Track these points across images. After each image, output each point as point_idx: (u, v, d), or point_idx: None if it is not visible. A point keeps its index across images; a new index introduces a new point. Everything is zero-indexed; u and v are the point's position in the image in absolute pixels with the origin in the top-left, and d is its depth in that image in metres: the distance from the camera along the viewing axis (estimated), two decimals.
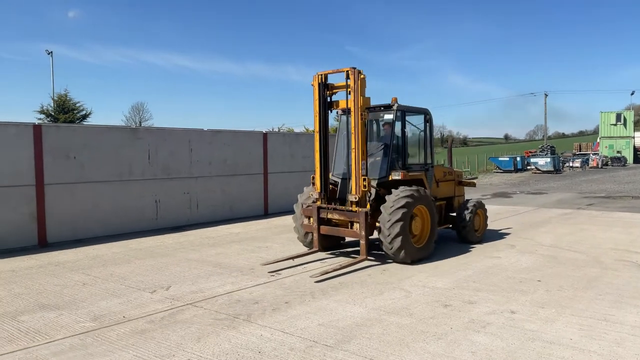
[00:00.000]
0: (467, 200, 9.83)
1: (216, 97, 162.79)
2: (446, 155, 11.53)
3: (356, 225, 7.77)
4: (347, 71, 7.75)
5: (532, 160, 37.67)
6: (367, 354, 4.38)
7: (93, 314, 5.59)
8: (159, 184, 11.98)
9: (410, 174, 8.31)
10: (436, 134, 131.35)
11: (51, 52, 38.97)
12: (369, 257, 8.00)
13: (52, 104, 23.29)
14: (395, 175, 8.12)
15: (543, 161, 36.43)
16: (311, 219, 8.37)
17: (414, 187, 7.90)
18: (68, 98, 23.93)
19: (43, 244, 9.96)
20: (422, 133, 9.05)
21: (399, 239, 7.47)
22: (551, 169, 35.52)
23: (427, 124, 9.05)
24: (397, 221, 7.45)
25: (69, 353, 4.48)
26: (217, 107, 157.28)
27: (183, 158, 12.44)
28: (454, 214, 9.78)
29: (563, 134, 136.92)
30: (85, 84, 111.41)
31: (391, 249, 7.57)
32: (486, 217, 10.03)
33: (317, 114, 8.19)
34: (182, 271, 7.51)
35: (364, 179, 7.68)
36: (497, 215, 13.57)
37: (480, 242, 9.61)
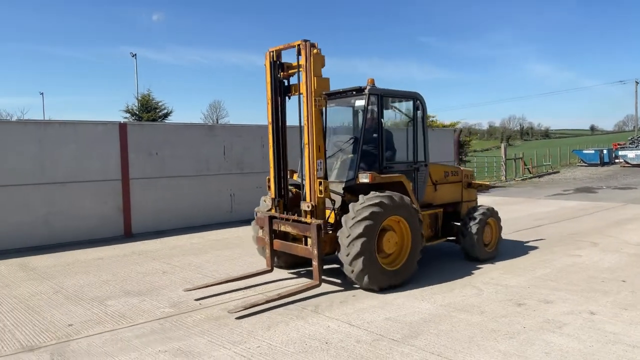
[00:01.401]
0: (475, 207, 7.92)
1: None
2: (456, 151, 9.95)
3: (310, 241, 6.11)
4: (298, 45, 6.14)
5: (621, 153, 35.17)
6: (435, 350, 4.34)
7: (172, 301, 5.93)
8: (233, 178, 12.46)
9: (383, 175, 6.48)
10: (515, 126, 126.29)
11: (135, 54, 41.66)
12: (334, 281, 6.55)
13: (136, 104, 24.64)
14: (363, 178, 6.32)
15: (633, 154, 33.87)
16: (263, 230, 6.80)
17: (386, 193, 6.16)
18: (151, 98, 25.23)
19: (128, 235, 10.67)
20: (411, 123, 7.18)
21: (360, 260, 5.82)
22: None
23: (417, 111, 7.15)
24: (358, 237, 5.81)
25: (150, 336, 4.80)
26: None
27: (255, 153, 12.83)
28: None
29: None
30: (166, 84, 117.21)
31: (352, 272, 5.94)
32: (500, 228, 8.02)
33: (270, 101, 6.59)
34: (255, 262, 7.76)
35: (320, 183, 6.05)
36: (579, 212, 12.85)
37: (491, 260, 7.64)
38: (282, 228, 6.55)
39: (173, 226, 11.35)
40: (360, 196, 6.14)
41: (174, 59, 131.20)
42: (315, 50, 6.02)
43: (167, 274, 7.29)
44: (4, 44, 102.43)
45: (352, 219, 5.91)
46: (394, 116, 7.34)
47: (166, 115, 25.15)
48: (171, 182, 11.37)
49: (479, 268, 7.20)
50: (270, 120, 6.61)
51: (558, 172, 30.43)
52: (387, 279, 6.13)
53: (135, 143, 10.86)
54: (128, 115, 23.76)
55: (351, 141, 6.81)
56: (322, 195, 6.08)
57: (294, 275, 7.00)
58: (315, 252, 5.97)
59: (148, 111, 23.94)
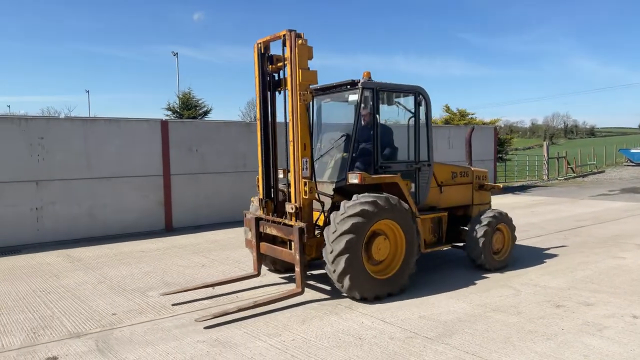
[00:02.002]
0: (484, 211, 7.24)
1: None
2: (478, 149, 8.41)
3: (295, 245, 5.67)
4: (284, 36, 5.75)
5: None
6: (469, 350, 4.31)
7: (210, 293, 6.09)
8: None
9: (375, 176, 6.00)
10: (559, 124, 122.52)
11: (177, 53, 42.50)
12: (323, 288, 6.17)
13: (177, 102, 25.21)
14: (352, 178, 5.87)
15: None
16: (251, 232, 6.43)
17: (376, 195, 5.67)
18: (191, 96, 25.74)
19: (169, 229, 10.98)
20: (413, 120, 6.64)
21: (344, 266, 5.39)
22: None
23: (419, 107, 6.64)
24: (341, 253, 5.37)
25: (189, 327, 4.95)
26: None
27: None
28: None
29: None
30: (206, 82, 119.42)
31: (341, 286, 5.54)
32: (514, 237, 7.30)
33: (258, 96, 6.24)
34: None
35: (305, 183, 5.71)
36: (624, 213, 12.41)
37: (501, 269, 6.98)
38: (268, 230, 6.14)
39: (211, 221, 11.61)
40: (343, 203, 5.66)
41: (214, 57, 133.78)
42: (300, 41, 5.63)
43: (205, 267, 7.47)
44: (53, 45, 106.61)
45: (337, 222, 5.46)
46: (397, 112, 6.74)
47: (206, 113, 25.63)
48: (210, 178, 11.62)
49: (516, 269, 7.07)
50: (258, 116, 6.29)
51: (603, 171, 29.39)
52: (377, 286, 5.66)
53: (176, 140, 11.16)
54: (169, 112, 24.33)
55: (343, 139, 6.43)
56: (307, 197, 5.71)
57: (285, 280, 6.61)
58: (298, 257, 5.55)
59: (189, 109, 24.46)
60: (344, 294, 5.70)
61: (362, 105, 6.24)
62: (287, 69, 5.78)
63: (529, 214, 12.81)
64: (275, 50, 6.20)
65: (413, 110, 6.63)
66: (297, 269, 5.60)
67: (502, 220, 7.11)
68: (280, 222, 5.95)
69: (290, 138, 5.81)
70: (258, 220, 6.26)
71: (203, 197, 11.55)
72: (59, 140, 9.77)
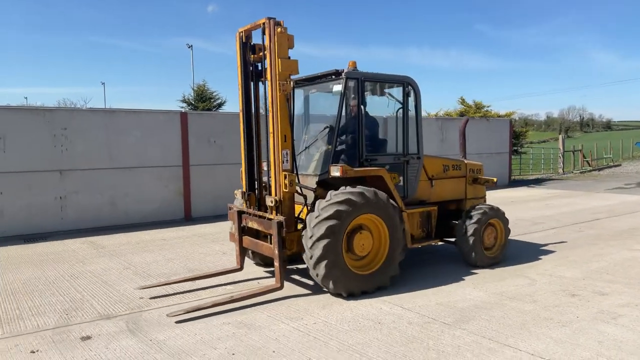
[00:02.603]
0: (475, 205, 7.02)
1: None
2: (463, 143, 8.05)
3: (274, 239, 5.53)
4: (263, 24, 5.60)
5: None
6: (486, 334, 4.45)
7: (232, 279, 6.28)
8: None
9: (358, 169, 5.85)
10: (575, 117, 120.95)
11: (191, 45, 42.80)
12: (306, 282, 6.05)
13: (192, 94, 25.42)
14: (334, 171, 5.70)
15: None
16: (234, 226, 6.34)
17: (356, 189, 5.49)
18: (206, 88, 25.91)
19: (188, 218, 11.22)
20: (401, 111, 6.46)
21: (323, 263, 5.25)
22: None
23: (408, 97, 6.44)
24: (320, 238, 5.23)
25: (214, 310, 5.14)
26: None
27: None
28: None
29: None
30: (220, 74, 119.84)
31: (317, 275, 5.39)
32: (507, 231, 7.09)
33: (240, 86, 6.07)
34: None
35: (286, 176, 5.59)
36: (638, 206, 12.40)
37: (491, 266, 6.78)
38: (250, 224, 6.01)
39: None
40: (330, 192, 5.55)
41: (227, 49, 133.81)
42: (279, 29, 5.44)
43: (226, 255, 7.67)
44: (68, 37, 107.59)
45: (316, 218, 5.33)
46: (387, 103, 6.54)
47: (220, 105, 25.82)
48: (227, 169, 11.81)
49: (531, 260, 7.17)
50: (241, 107, 6.13)
51: (619, 165, 29.11)
52: (360, 282, 5.52)
53: (195, 131, 11.37)
54: (184, 104, 24.58)
55: (326, 131, 6.27)
56: (287, 190, 5.60)
57: (269, 275, 6.52)
58: (277, 251, 5.43)
59: (203, 101, 24.67)
60: (330, 292, 5.54)
61: (347, 95, 6.11)
62: (267, 59, 5.64)
63: (543, 206, 12.84)
64: (257, 39, 6.02)
65: (403, 103, 6.46)
66: (276, 263, 5.49)
67: (495, 215, 6.91)
68: (260, 216, 5.85)
69: (271, 129, 5.67)
70: (240, 213, 6.16)
71: (221, 187, 11.74)
72: (82, 131, 10.01)
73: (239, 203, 6.46)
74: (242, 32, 5.99)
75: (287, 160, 5.62)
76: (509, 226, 7.21)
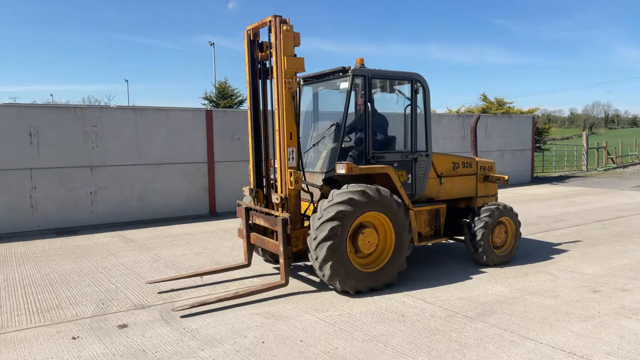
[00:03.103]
0: (486, 203, 7.00)
1: None
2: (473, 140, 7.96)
3: (279, 236, 5.56)
4: (269, 21, 5.62)
5: None
6: (508, 328, 4.55)
7: (257, 272, 6.49)
8: None
9: (363, 166, 5.82)
10: (600, 114, 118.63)
11: (213, 43, 43.19)
12: (314, 279, 6.09)
13: (214, 91, 25.72)
14: (339, 169, 5.72)
15: None
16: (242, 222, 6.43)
17: (360, 187, 5.49)
18: (227, 85, 26.18)
19: (213, 213, 11.48)
20: (410, 108, 6.42)
21: (329, 264, 5.30)
22: None
23: (416, 94, 6.41)
24: (324, 240, 5.27)
25: (242, 300, 5.34)
26: None
27: None
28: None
29: None
30: (241, 71, 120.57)
31: (323, 276, 5.45)
32: (518, 232, 6.98)
33: (248, 84, 6.11)
34: None
35: (291, 173, 5.64)
36: None
37: (502, 265, 6.74)
38: (257, 221, 6.12)
39: None
40: (334, 191, 5.58)
41: None
42: (285, 27, 5.47)
43: None
44: (92, 34, 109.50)
45: (319, 218, 5.36)
46: (396, 101, 6.52)
47: (241, 102, 26.10)
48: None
49: (553, 257, 7.22)
50: (249, 104, 6.15)
51: None
52: (364, 281, 5.54)
53: (219, 128, 11.62)
54: (206, 102, 24.92)
55: (333, 128, 6.33)
56: (293, 187, 5.65)
57: (277, 271, 6.57)
58: (282, 248, 5.48)
59: (225, 98, 24.97)
60: (330, 286, 5.62)
61: (354, 93, 6.14)
62: (273, 56, 5.69)
63: (566, 203, 12.78)
64: (265, 37, 6.03)
65: (411, 99, 6.43)
66: (281, 260, 5.53)
67: (505, 213, 6.80)
68: (266, 213, 5.92)
69: (277, 127, 5.72)
70: (248, 210, 6.26)
71: (244, 183, 11.96)
72: (111, 128, 10.33)
73: (247, 200, 6.51)
74: (249, 29, 6.06)
75: (292, 157, 5.66)
76: (526, 223, 7.19)
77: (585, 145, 25.21)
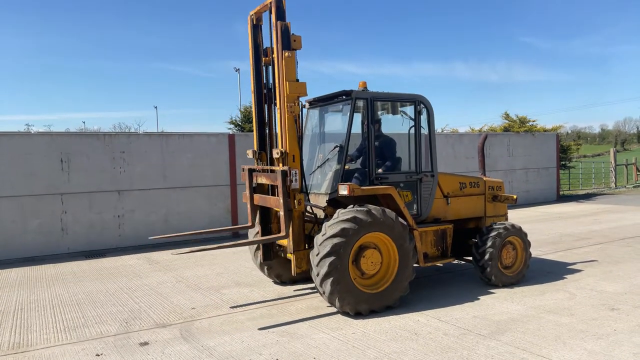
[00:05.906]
0: (494, 223, 6.90)
1: None
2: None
3: (279, 189, 5.69)
4: (270, 3, 5.72)
5: None
6: (520, 345, 4.57)
7: (277, 292, 6.64)
8: None
9: (365, 187, 5.85)
10: (632, 129, 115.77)
11: (238, 69, 44.29)
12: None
13: (239, 115, 26.24)
14: (342, 190, 5.75)
15: None
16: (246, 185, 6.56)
17: (365, 207, 5.56)
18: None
19: (235, 234, 11.70)
20: (412, 130, 6.48)
21: (329, 280, 5.29)
22: None
23: (420, 116, 6.45)
24: (326, 256, 5.28)
25: (259, 319, 5.50)
26: None
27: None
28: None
29: None
30: None
31: (324, 293, 5.45)
32: (528, 254, 6.89)
33: (252, 66, 6.40)
34: None
35: (294, 196, 5.76)
36: None
37: (512, 285, 6.65)
38: (259, 180, 6.30)
39: None
40: (339, 211, 5.62)
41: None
42: (287, 54, 5.64)
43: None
44: (124, 63, 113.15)
45: (323, 235, 5.40)
46: (401, 122, 6.59)
47: None
48: None
49: (573, 275, 7.16)
50: (252, 82, 6.48)
51: None
52: (365, 302, 5.50)
53: (241, 152, 11.91)
54: (232, 126, 25.46)
55: (336, 150, 6.41)
56: (296, 209, 5.75)
57: (286, 291, 6.69)
58: (281, 200, 5.61)
59: (250, 122, 25.43)
60: (329, 304, 5.69)
61: (362, 115, 6.35)
62: (275, 81, 5.97)
63: (592, 221, 12.58)
64: (266, 28, 6.29)
65: (416, 121, 6.50)
66: (281, 212, 5.62)
67: (513, 233, 6.72)
68: (271, 170, 6.06)
69: (280, 149, 5.83)
70: (251, 171, 6.44)
71: None
72: (139, 154, 10.73)
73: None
74: (252, 14, 6.36)
75: (295, 179, 5.71)
76: (548, 242, 7.23)
77: (613, 161, 24.70)
